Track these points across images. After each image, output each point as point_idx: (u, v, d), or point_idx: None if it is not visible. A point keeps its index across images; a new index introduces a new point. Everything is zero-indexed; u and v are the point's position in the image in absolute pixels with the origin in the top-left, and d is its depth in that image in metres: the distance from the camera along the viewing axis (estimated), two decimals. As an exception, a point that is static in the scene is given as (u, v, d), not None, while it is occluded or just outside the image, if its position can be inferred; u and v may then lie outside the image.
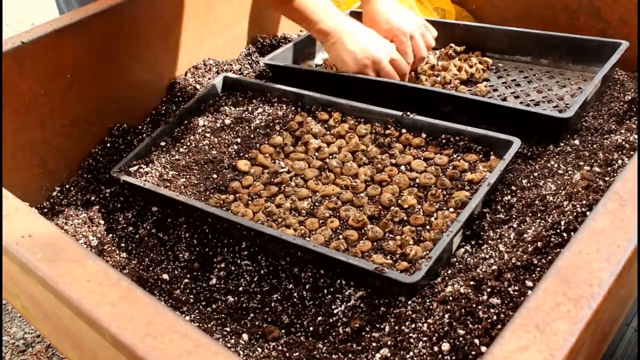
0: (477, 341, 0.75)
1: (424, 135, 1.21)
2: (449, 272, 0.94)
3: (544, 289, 0.58)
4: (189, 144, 1.30)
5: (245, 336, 0.93)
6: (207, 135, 1.32)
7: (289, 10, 1.35)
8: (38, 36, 1.21)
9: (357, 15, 1.68)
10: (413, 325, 0.84)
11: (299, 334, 0.94)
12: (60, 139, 1.29)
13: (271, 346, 0.92)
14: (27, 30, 1.24)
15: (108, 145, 1.35)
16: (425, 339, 0.80)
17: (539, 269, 0.82)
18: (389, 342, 0.84)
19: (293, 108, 1.35)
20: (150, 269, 1.08)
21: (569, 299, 0.57)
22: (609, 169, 1.00)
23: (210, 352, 0.57)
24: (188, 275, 1.07)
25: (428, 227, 1.02)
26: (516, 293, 0.79)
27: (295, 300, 0.99)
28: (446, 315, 0.80)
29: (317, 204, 1.11)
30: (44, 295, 0.77)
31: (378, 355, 0.83)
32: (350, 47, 1.35)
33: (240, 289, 1.03)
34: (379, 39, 1.38)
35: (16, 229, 0.75)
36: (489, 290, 0.80)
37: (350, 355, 0.86)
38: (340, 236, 1.03)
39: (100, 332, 0.63)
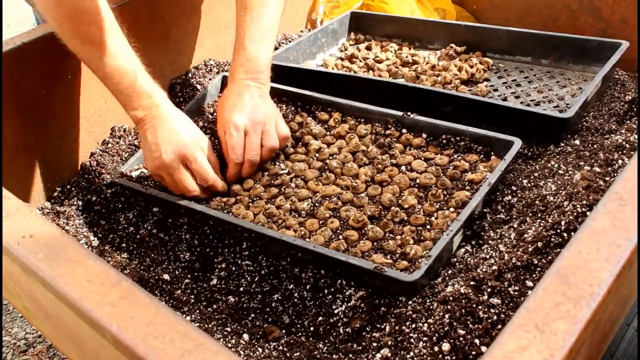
0: (477, 341, 0.75)
1: (424, 135, 1.21)
2: (450, 272, 0.94)
3: (544, 289, 0.58)
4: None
5: (246, 336, 0.93)
6: (208, 136, 1.31)
7: (104, 76, 1.13)
8: (39, 36, 1.22)
9: (358, 16, 1.69)
10: (413, 325, 0.84)
11: (300, 334, 0.94)
12: (61, 140, 1.29)
13: (272, 346, 0.92)
14: (28, 31, 1.24)
15: (109, 145, 1.35)
16: (425, 339, 0.80)
17: (539, 269, 0.82)
18: (389, 342, 0.84)
19: (293, 108, 1.35)
20: (151, 269, 1.08)
21: (568, 299, 0.57)
22: (609, 169, 1.00)
23: (211, 352, 0.57)
24: (189, 276, 1.07)
25: (428, 226, 1.02)
26: (516, 293, 0.79)
27: (295, 300, 0.99)
28: (446, 315, 0.80)
29: (317, 204, 1.11)
30: (45, 296, 0.77)
31: (378, 355, 0.83)
32: (150, 142, 1.13)
33: (241, 289, 1.03)
34: (178, 137, 1.13)
35: (17, 230, 0.75)
36: (489, 290, 0.80)
37: (350, 355, 0.86)
38: (341, 236, 1.03)
39: (101, 332, 0.63)
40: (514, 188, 1.07)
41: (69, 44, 1.12)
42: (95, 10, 1.09)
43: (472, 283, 0.84)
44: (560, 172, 1.06)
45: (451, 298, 0.82)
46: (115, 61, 1.11)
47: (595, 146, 1.11)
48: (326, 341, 0.91)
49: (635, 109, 1.22)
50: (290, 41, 1.68)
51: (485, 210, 1.05)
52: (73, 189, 1.28)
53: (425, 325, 0.82)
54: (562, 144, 1.16)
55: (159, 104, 1.15)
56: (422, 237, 1.00)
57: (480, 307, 0.78)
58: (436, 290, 0.89)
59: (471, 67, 1.45)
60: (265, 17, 1.25)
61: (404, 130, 1.23)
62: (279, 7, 1.28)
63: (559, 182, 1.02)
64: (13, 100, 1.19)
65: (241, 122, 1.17)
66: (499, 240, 0.95)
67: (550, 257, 0.83)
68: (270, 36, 1.26)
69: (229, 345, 0.91)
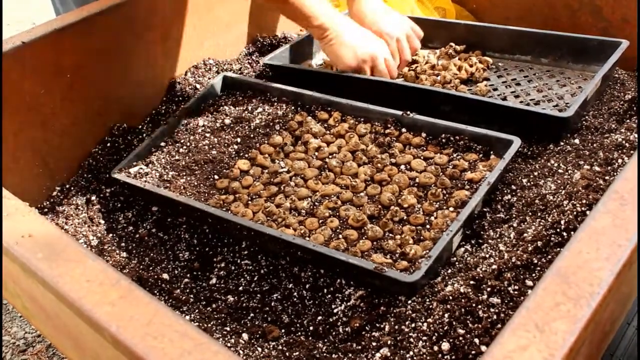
0: (477, 340, 0.75)
1: (424, 134, 1.21)
2: (449, 271, 0.94)
3: (544, 288, 0.58)
4: (188, 144, 1.30)
5: (245, 336, 0.93)
6: (207, 135, 1.32)
7: (286, 7, 1.35)
8: (39, 36, 1.21)
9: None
10: (413, 325, 0.84)
11: (299, 333, 0.94)
12: (60, 139, 1.29)
13: (271, 346, 0.92)
14: (27, 30, 1.24)
15: (108, 145, 1.35)
16: (425, 338, 0.80)
17: (539, 268, 0.82)
18: (388, 342, 0.84)
19: (293, 107, 1.35)
20: (151, 268, 1.08)
21: (568, 299, 0.57)
22: (609, 168, 1.00)
23: (210, 351, 0.57)
24: (188, 275, 1.07)
25: (428, 226, 1.02)
26: (516, 292, 0.79)
27: (295, 299, 0.99)
28: (446, 315, 0.80)
29: (316, 203, 1.11)
30: (44, 295, 0.77)
31: (378, 354, 0.83)
32: (348, 42, 1.36)
33: (240, 288, 1.03)
34: (374, 37, 1.40)
35: (16, 229, 0.75)
36: (489, 289, 0.80)
37: (350, 355, 0.86)
38: (340, 236, 1.03)
39: (100, 331, 0.63)
40: (513, 187, 1.07)
41: None
42: None
43: (471, 282, 0.84)
44: (560, 171, 1.06)
45: (451, 297, 0.82)
46: None
47: (595, 145, 1.11)
48: (326, 341, 0.91)
49: (635, 108, 1.22)
50: (289, 41, 1.67)
51: (484, 209, 1.05)
52: (72, 188, 1.28)
53: (425, 324, 0.82)
54: (562, 143, 1.16)
55: (340, 14, 1.41)
56: (421, 237, 1.00)
57: (479, 306, 0.78)
58: (436, 289, 0.89)
59: (471, 66, 1.45)
60: None
61: (403, 130, 1.23)
62: None
63: (559, 182, 1.02)
64: (13, 100, 1.19)
65: (392, 31, 1.44)
66: (499, 240, 0.95)
67: (550, 257, 0.83)
68: None
69: (229, 344, 0.91)
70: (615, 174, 0.98)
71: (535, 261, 0.83)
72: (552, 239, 0.85)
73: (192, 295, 1.03)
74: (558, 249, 0.84)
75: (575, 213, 0.87)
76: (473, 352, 0.74)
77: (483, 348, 0.74)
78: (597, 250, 0.62)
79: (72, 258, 0.70)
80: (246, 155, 1.25)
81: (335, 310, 0.95)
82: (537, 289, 0.59)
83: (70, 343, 0.86)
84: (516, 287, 0.80)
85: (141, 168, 1.24)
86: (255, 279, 1.04)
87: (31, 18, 3.80)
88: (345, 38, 1.36)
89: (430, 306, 0.85)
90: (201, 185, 1.20)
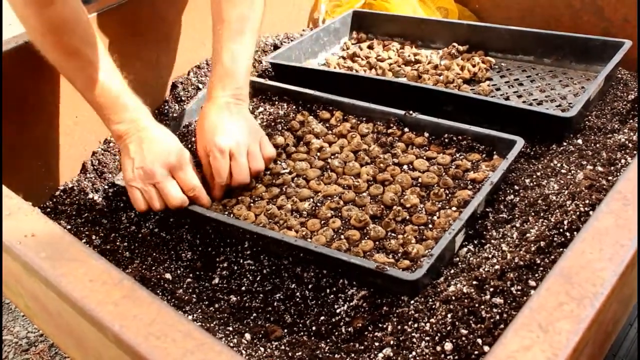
0: (479, 341, 0.75)
1: (426, 134, 1.21)
2: (452, 271, 0.94)
3: (547, 288, 0.58)
4: (191, 145, 1.30)
5: (247, 336, 0.93)
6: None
7: (87, 98, 1.13)
8: (41, 36, 1.21)
9: (360, 15, 1.69)
10: (416, 325, 0.84)
11: (302, 333, 0.94)
12: (63, 139, 1.29)
13: (274, 346, 0.92)
14: (30, 30, 1.24)
15: (111, 144, 1.35)
16: (427, 338, 0.80)
17: (541, 268, 0.82)
18: (391, 342, 0.84)
19: (294, 107, 1.34)
20: (153, 268, 1.08)
21: (572, 299, 0.57)
22: (612, 168, 1.00)
23: (213, 351, 0.57)
24: (191, 275, 1.07)
25: (430, 226, 1.02)
26: (519, 293, 0.79)
27: (297, 299, 0.99)
28: (449, 315, 0.80)
29: (319, 204, 1.11)
30: (47, 295, 0.77)
31: (381, 354, 0.83)
32: (131, 153, 1.11)
33: (243, 288, 1.03)
34: (166, 149, 1.12)
35: (19, 229, 0.75)
36: (491, 289, 0.80)
37: (352, 355, 0.86)
38: (342, 236, 1.03)
39: (103, 331, 0.63)
40: (516, 187, 1.07)
41: (50, 55, 1.10)
42: (75, 20, 1.08)
43: (474, 282, 0.83)
44: (563, 171, 1.06)
45: (453, 297, 0.82)
46: (97, 74, 1.09)
47: (597, 145, 1.11)
48: (328, 341, 0.91)
49: (638, 108, 1.22)
50: (292, 40, 1.67)
51: (487, 209, 1.04)
52: (75, 188, 1.28)
53: (428, 324, 0.82)
54: (565, 143, 1.16)
55: (142, 117, 1.13)
56: (424, 237, 1.00)
57: (482, 306, 0.78)
58: (438, 289, 0.89)
59: (473, 66, 1.45)
60: (244, 31, 1.21)
61: (406, 129, 1.23)
62: (257, 21, 1.23)
63: (562, 182, 1.01)
64: (15, 99, 1.19)
65: (225, 144, 1.13)
66: (502, 240, 0.95)
67: (552, 257, 0.83)
68: (248, 51, 1.23)
69: (231, 344, 0.91)
70: (618, 174, 0.98)
71: (538, 261, 0.83)
72: (555, 239, 0.85)
73: (194, 295, 1.03)
74: (561, 250, 0.83)
75: (578, 213, 0.87)
76: (476, 352, 0.74)
77: (486, 348, 0.74)
78: (600, 250, 0.62)
79: (75, 257, 0.70)
80: (248, 156, 1.25)
81: (337, 310, 0.95)
82: (540, 289, 0.59)
83: (73, 342, 0.86)
84: (519, 288, 0.79)
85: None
86: (258, 279, 1.04)
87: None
88: (131, 148, 1.11)
89: (433, 306, 0.85)
90: (204, 187, 1.19)
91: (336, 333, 0.92)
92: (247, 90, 1.23)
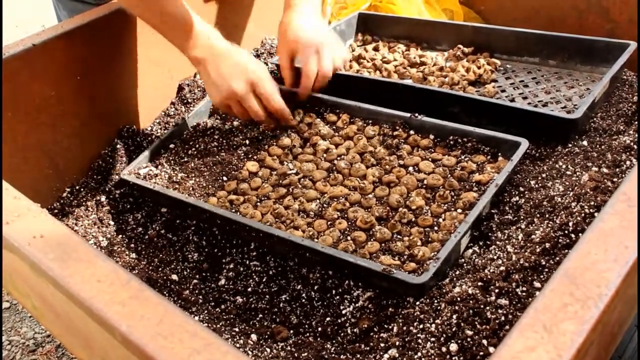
0: (485, 342, 0.75)
1: (432, 136, 1.21)
2: (457, 273, 0.94)
3: (552, 289, 0.59)
4: (197, 146, 1.31)
5: (254, 336, 0.94)
6: (216, 137, 1.32)
7: (162, 29, 1.24)
8: (49, 38, 1.22)
9: (365, 17, 1.69)
10: (421, 326, 0.84)
11: (308, 334, 0.94)
12: (70, 140, 1.30)
13: (280, 346, 0.92)
14: (37, 32, 1.25)
15: (117, 146, 1.36)
16: (433, 339, 0.80)
17: (546, 270, 0.82)
18: (397, 343, 0.84)
19: (301, 109, 1.35)
20: (160, 269, 1.09)
21: (576, 300, 0.57)
22: (617, 170, 1.00)
23: (219, 351, 0.58)
24: (197, 276, 1.08)
25: (436, 228, 1.03)
26: (524, 294, 0.79)
27: (303, 300, 0.99)
28: (454, 316, 0.80)
29: (325, 205, 1.12)
30: (54, 295, 0.78)
31: (386, 355, 0.83)
32: (212, 76, 1.23)
33: (249, 289, 1.03)
34: (242, 68, 1.24)
35: (28, 230, 0.75)
36: (496, 291, 0.80)
37: (358, 356, 0.87)
38: (349, 237, 1.03)
39: (110, 331, 0.63)
40: (521, 189, 1.07)
41: None
42: None
43: (479, 284, 0.84)
44: (568, 173, 1.06)
45: (459, 299, 0.82)
46: (168, 6, 1.20)
47: (603, 147, 1.11)
48: (334, 341, 0.92)
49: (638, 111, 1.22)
50: (297, 42, 1.68)
51: (492, 211, 1.05)
52: (82, 189, 1.29)
53: (433, 325, 0.82)
54: (570, 145, 1.16)
55: (217, 42, 1.24)
56: (429, 239, 1.00)
57: (487, 307, 0.78)
58: (444, 290, 0.89)
59: (479, 68, 1.45)
60: None
61: (411, 132, 1.23)
62: None
63: (567, 183, 1.02)
64: (23, 101, 1.20)
65: (312, 39, 1.29)
66: (507, 241, 0.95)
67: (558, 258, 0.83)
68: None
69: (237, 345, 0.92)
70: (623, 175, 0.98)
71: (543, 263, 0.83)
72: (560, 240, 0.85)
73: (201, 296, 1.04)
74: (566, 251, 0.84)
75: (583, 215, 0.87)
76: (481, 353, 0.74)
77: (491, 349, 0.74)
78: (605, 251, 0.62)
79: (83, 258, 0.71)
80: (255, 157, 1.26)
81: (343, 312, 0.95)
82: (545, 290, 0.59)
83: (80, 343, 0.87)
84: (524, 289, 0.80)
85: (150, 169, 1.25)
86: (264, 280, 1.04)
87: (40, 18, 3.82)
88: (211, 71, 1.23)
89: (439, 307, 0.85)
90: (210, 186, 1.20)
91: (342, 334, 0.92)
92: (320, 2, 1.41)
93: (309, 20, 1.32)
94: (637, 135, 1.09)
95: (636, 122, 1.18)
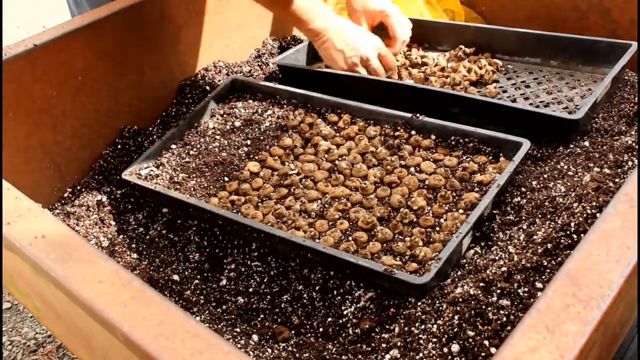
0: (486, 342, 0.75)
1: (433, 136, 1.21)
2: (459, 273, 0.94)
3: (554, 290, 0.59)
4: (199, 146, 1.31)
5: (255, 337, 0.94)
6: (217, 137, 1.32)
7: (279, 9, 1.39)
8: (50, 38, 1.22)
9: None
10: (423, 327, 0.84)
11: (309, 334, 0.94)
12: (71, 141, 1.30)
13: (281, 347, 0.92)
14: (39, 33, 1.25)
15: (119, 146, 1.36)
16: (434, 340, 0.80)
17: (548, 270, 0.82)
18: (398, 343, 0.84)
19: (302, 109, 1.35)
20: (161, 269, 1.08)
21: (579, 301, 0.57)
22: (619, 170, 1.00)
23: (221, 352, 0.58)
24: (198, 276, 1.08)
25: (437, 228, 1.02)
26: (526, 294, 0.79)
27: (305, 301, 0.99)
28: (456, 317, 0.80)
29: (326, 205, 1.12)
30: (56, 295, 0.78)
31: (388, 356, 0.83)
32: (338, 46, 1.38)
33: (250, 290, 1.03)
34: (366, 35, 1.42)
35: (29, 230, 0.75)
36: (498, 291, 0.80)
37: (360, 356, 0.87)
38: (350, 238, 1.03)
39: (112, 331, 0.63)
40: (523, 189, 1.07)
41: None
42: None
43: (481, 284, 0.84)
44: (570, 173, 1.06)
45: (460, 299, 0.82)
46: None
47: (604, 147, 1.11)
48: (335, 342, 0.92)
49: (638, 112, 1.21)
50: (299, 42, 1.68)
51: (494, 211, 1.05)
52: (83, 189, 1.29)
53: (435, 326, 0.82)
54: (572, 146, 1.16)
55: (334, 15, 1.41)
56: (431, 239, 1.00)
57: (489, 308, 0.78)
58: (445, 291, 0.89)
59: (480, 68, 1.45)
60: None
61: (412, 132, 1.23)
62: None
63: (569, 184, 1.01)
64: (24, 102, 1.20)
65: (394, 9, 1.51)
66: (508, 242, 0.95)
67: (559, 259, 0.83)
68: None
69: (239, 345, 0.92)
70: (625, 176, 0.98)
71: (545, 263, 0.83)
72: (562, 241, 0.85)
73: (202, 297, 1.04)
74: (568, 251, 0.84)
75: (585, 215, 0.87)
76: (483, 354, 0.74)
77: (493, 350, 0.74)
78: (607, 252, 0.62)
79: (84, 259, 0.71)
80: (256, 157, 1.26)
81: (345, 312, 0.95)
82: (547, 290, 0.59)
83: (81, 343, 0.87)
84: (526, 289, 0.80)
85: (152, 170, 1.25)
86: (265, 280, 1.04)
87: (41, 19, 3.82)
88: (336, 41, 1.38)
89: (440, 308, 0.85)
90: (211, 187, 1.20)
91: (343, 334, 0.92)
92: None
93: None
94: (638, 136, 1.09)
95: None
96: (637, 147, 1.05)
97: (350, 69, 1.39)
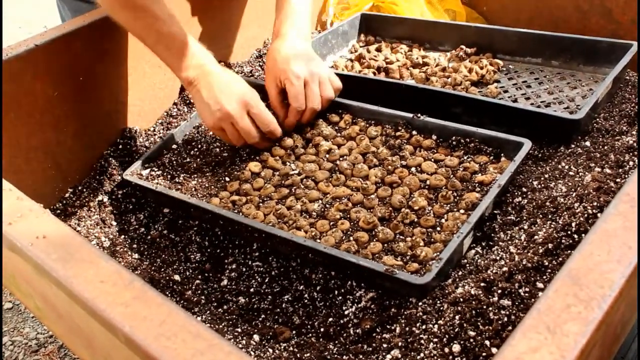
0: (487, 342, 0.75)
1: (434, 136, 1.21)
2: (460, 273, 0.94)
3: (555, 290, 0.59)
4: (200, 146, 1.31)
5: (256, 337, 0.94)
6: (218, 137, 1.32)
7: (151, 43, 1.23)
8: (51, 38, 1.23)
9: (368, 17, 1.69)
10: (424, 327, 0.84)
11: (310, 334, 0.94)
12: (73, 141, 1.30)
13: (282, 347, 0.92)
14: (40, 33, 1.25)
15: (120, 147, 1.36)
16: (435, 340, 0.80)
17: (549, 270, 0.82)
18: (399, 343, 0.84)
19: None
20: (162, 270, 1.09)
21: (580, 301, 0.57)
22: (620, 170, 1.00)
23: (222, 352, 0.58)
24: (199, 277, 1.08)
25: (438, 228, 1.02)
26: (527, 294, 0.79)
27: (306, 301, 0.99)
28: (457, 317, 0.80)
29: (327, 205, 1.12)
30: (57, 296, 0.78)
31: (389, 356, 0.83)
32: (206, 99, 1.20)
33: (251, 290, 1.04)
34: (237, 88, 1.22)
35: (31, 230, 0.75)
36: (499, 291, 0.80)
37: (361, 356, 0.87)
38: (351, 238, 1.03)
39: (113, 332, 0.63)
40: (524, 189, 1.07)
41: (120, 15, 1.21)
42: None
43: (482, 284, 0.84)
44: (571, 173, 1.06)
45: (461, 299, 0.82)
46: (164, 27, 1.19)
47: (606, 147, 1.11)
48: (336, 342, 0.92)
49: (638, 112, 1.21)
50: (300, 43, 1.68)
51: (495, 211, 1.05)
52: (84, 190, 1.29)
53: (436, 326, 0.82)
54: (573, 146, 1.16)
55: (209, 63, 1.23)
56: (432, 239, 1.00)
57: (490, 308, 0.78)
58: (446, 291, 0.89)
59: (481, 68, 1.45)
60: None
61: (414, 132, 1.23)
62: None
63: (570, 184, 1.01)
64: (25, 102, 1.20)
65: (301, 72, 1.24)
66: (509, 242, 0.95)
67: (560, 259, 0.83)
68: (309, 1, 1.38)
69: (240, 345, 0.92)
70: (626, 176, 0.98)
71: (546, 263, 0.83)
72: (563, 241, 0.85)
73: (203, 297, 1.04)
74: (569, 251, 0.84)
75: (586, 215, 0.87)
76: (484, 354, 0.74)
77: (494, 350, 0.74)
78: (609, 252, 0.62)
79: (86, 259, 0.71)
80: (257, 158, 1.26)
81: (346, 312, 0.95)
82: (548, 290, 0.59)
83: (83, 343, 0.87)
84: (527, 289, 0.80)
85: (153, 170, 1.25)
86: (266, 280, 1.04)
87: (42, 19, 3.82)
88: (203, 94, 1.20)
89: (441, 308, 0.85)
90: (212, 187, 1.20)
91: (344, 334, 0.92)
92: (310, 30, 1.37)
93: (297, 50, 1.28)
94: (638, 136, 1.09)
95: None
96: (637, 147, 1.05)
97: (218, 128, 1.21)
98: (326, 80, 1.27)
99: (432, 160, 1.16)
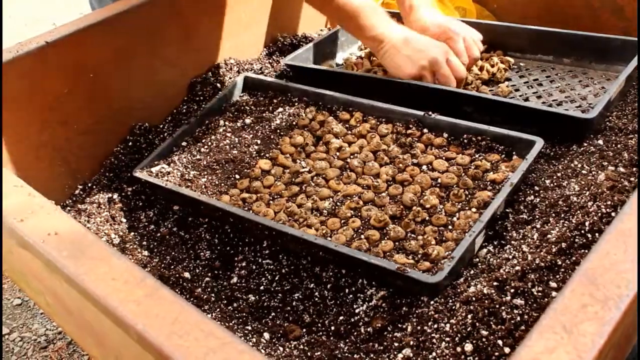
0: (500, 342, 0.74)
1: (445, 135, 1.20)
2: (472, 272, 0.94)
3: (571, 290, 0.58)
4: (210, 143, 1.30)
5: (266, 335, 0.94)
6: (228, 134, 1.32)
7: (340, 16, 1.37)
8: (62, 36, 1.23)
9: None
10: (435, 326, 0.84)
11: (321, 333, 0.94)
12: (83, 138, 1.30)
13: (292, 345, 0.92)
14: (50, 30, 1.25)
15: (130, 144, 1.36)
16: (447, 339, 0.79)
17: (563, 270, 0.81)
18: (411, 342, 0.83)
19: (314, 108, 1.35)
20: (172, 267, 1.08)
21: (596, 301, 0.57)
22: (634, 169, 0.99)
23: (235, 350, 0.58)
24: (209, 274, 1.08)
25: (450, 227, 1.02)
26: (540, 294, 0.78)
27: (316, 299, 0.99)
28: (469, 316, 0.79)
29: (338, 203, 1.11)
30: (68, 293, 0.77)
31: (400, 355, 0.83)
32: (404, 51, 1.32)
33: (262, 287, 1.03)
34: (432, 42, 1.35)
35: (42, 227, 0.75)
36: (512, 291, 0.80)
37: (372, 355, 0.86)
38: (362, 236, 1.03)
39: (125, 329, 0.63)
40: (536, 188, 1.06)
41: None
42: None
43: (494, 283, 0.83)
44: (584, 172, 1.05)
45: (474, 298, 0.82)
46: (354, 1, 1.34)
47: (619, 146, 1.10)
48: (347, 341, 0.91)
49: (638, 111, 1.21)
50: (310, 40, 1.67)
51: (507, 210, 1.04)
52: (94, 187, 1.29)
53: (448, 325, 0.82)
54: (585, 144, 1.15)
55: (395, 25, 1.38)
56: (444, 238, 1.00)
57: (503, 307, 0.78)
58: (458, 290, 0.88)
59: (492, 66, 1.44)
60: None
61: (425, 130, 1.22)
62: None
63: (583, 183, 1.01)
64: (35, 99, 1.20)
65: (459, 29, 1.42)
66: (522, 241, 0.95)
67: (574, 258, 0.82)
68: None
69: (250, 344, 0.91)
70: (640, 175, 0.97)
71: (560, 263, 0.82)
72: (577, 240, 0.84)
73: (213, 294, 1.04)
74: (582, 251, 0.83)
75: (600, 214, 0.86)
76: (496, 353, 0.74)
77: (506, 350, 0.74)
78: (625, 252, 0.61)
79: (97, 256, 0.70)
80: (267, 155, 1.26)
81: (357, 311, 0.95)
82: (564, 290, 0.58)
83: (93, 340, 0.87)
84: (540, 289, 0.79)
85: (163, 167, 1.25)
86: (277, 278, 1.04)
87: (50, 17, 3.83)
88: (402, 47, 1.33)
89: (453, 307, 0.85)
90: (222, 184, 1.20)
91: (355, 333, 0.92)
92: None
93: (437, 13, 1.49)
94: (638, 136, 1.08)
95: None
96: (637, 146, 1.05)
97: (419, 74, 1.32)
98: (476, 37, 1.46)
99: (444, 158, 1.16)
